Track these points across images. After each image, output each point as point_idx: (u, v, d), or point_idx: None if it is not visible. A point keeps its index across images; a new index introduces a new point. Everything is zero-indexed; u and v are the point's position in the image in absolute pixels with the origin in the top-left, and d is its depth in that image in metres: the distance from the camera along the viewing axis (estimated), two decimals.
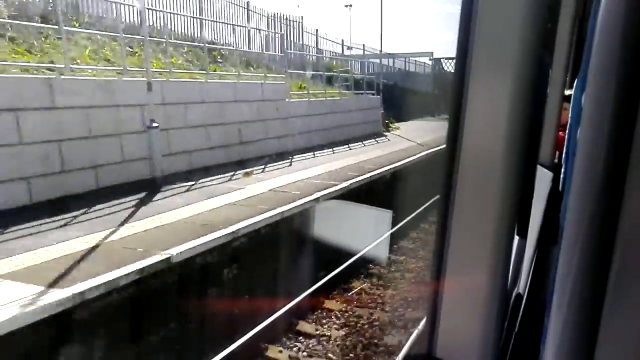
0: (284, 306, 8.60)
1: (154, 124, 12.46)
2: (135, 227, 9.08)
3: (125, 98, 12.77)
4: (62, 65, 11.91)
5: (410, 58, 51.95)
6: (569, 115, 2.35)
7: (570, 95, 2.84)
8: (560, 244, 0.83)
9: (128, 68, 13.60)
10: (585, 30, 1.40)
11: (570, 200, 0.79)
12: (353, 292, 11.47)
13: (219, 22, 26.06)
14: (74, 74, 12.11)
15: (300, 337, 9.59)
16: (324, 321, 10.20)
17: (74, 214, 9.89)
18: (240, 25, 27.29)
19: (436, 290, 1.17)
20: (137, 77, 13.44)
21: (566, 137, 2.37)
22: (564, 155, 2.50)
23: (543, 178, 2.72)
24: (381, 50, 42.22)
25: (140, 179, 12.63)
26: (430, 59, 52.46)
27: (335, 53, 40.28)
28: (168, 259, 7.51)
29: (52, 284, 6.47)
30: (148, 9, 19.25)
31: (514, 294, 1.74)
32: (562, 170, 2.42)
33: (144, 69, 13.24)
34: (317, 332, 9.68)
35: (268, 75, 21.11)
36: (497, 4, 1.00)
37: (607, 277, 0.73)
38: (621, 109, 0.70)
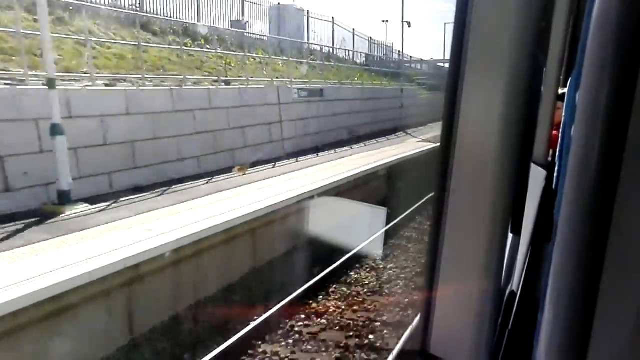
0: None
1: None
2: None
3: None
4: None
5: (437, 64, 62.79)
6: (563, 114, 2.36)
7: (564, 94, 2.85)
8: (553, 241, 0.84)
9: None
10: (580, 28, 1.41)
11: (564, 198, 0.79)
12: None
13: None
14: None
15: None
16: None
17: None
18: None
19: (431, 288, 1.18)
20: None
21: (560, 135, 2.38)
22: (557, 153, 2.51)
23: (537, 176, 2.74)
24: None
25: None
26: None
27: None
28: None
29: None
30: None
31: (507, 291, 1.75)
32: (556, 168, 2.42)
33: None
34: None
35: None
36: (492, 2, 1.00)
37: (600, 274, 0.74)
38: (615, 108, 0.70)
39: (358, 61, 40.05)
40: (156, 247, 8.94)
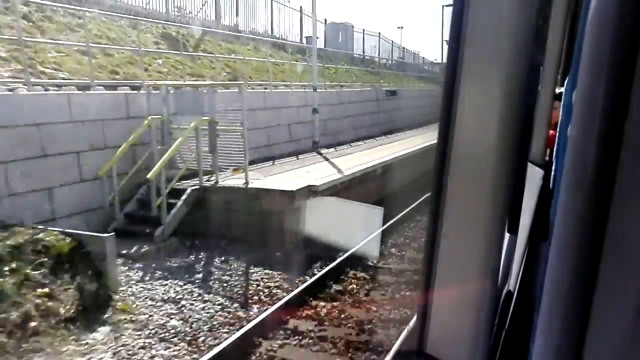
0: None
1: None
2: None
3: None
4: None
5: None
6: (560, 113, 2.34)
7: (561, 94, 2.82)
8: (550, 240, 0.83)
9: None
10: (577, 27, 1.40)
11: (561, 197, 0.78)
12: None
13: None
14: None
15: None
16: None
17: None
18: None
19: (427, 287, 1.16)
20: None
21: (557, 134, 2.37)
22: (554, 153, 2.49)
23: (534, 175, 2.73)
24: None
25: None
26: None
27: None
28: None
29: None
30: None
31: (504, 290, 1.73)
32: (553, 167, 2.41)
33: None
34: None
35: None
36: (489, 1, 1.00)
37: (596, 273, 0.74)
38: (611, 107, 0.70)
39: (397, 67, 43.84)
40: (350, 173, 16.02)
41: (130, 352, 7.68)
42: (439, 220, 1.10)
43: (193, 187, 12.83)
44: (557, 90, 3.34)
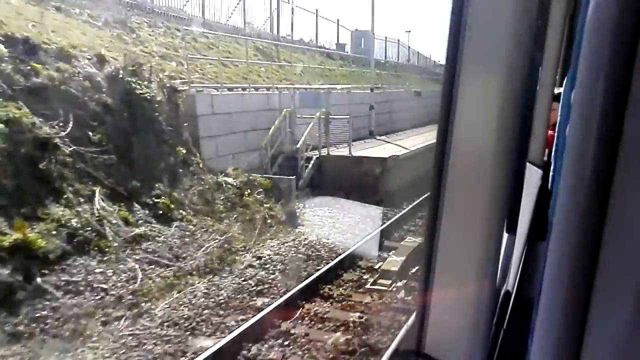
0: None
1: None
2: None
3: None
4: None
5: None
6: (559, 113, 1.83)
7: (560, 94, 2.17)
8: (548, 240, 0.62)
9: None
10: (576, 28, 0.95)
11: (559, 197, 0.59)
12: None
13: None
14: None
15: None
16: None
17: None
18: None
19: (426, 287, 0.84)
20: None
21: (555, 134, 1.82)
22: (553, 153, 1.95)
23: (532, 175, 2.15)
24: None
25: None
26: None
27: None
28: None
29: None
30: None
31: (502, 290, 1.31)
32: (552, 167, 1.88)
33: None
34: None
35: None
36: (488, 1, 0.73)
37: (594, 272, 0.55)
38: (610, 107, 0.51)
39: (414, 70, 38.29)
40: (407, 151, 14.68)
41: (309, 239, 9.36)
42: (438, 219, 0.81)
43: (316, 156, 13.02)
44: (556, 91, 2.65)
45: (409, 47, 35.52)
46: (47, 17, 9.23)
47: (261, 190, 10.34)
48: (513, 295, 1.35)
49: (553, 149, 1.91)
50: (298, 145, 12.45)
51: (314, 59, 21.48)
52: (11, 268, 5.14)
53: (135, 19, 13.05)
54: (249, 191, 9.99)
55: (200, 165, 9.67)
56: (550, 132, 2.58)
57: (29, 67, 7.07)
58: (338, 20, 27.14)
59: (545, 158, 2.57)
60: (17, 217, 5.63)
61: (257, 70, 15.95)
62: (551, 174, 1.78)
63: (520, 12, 0.72)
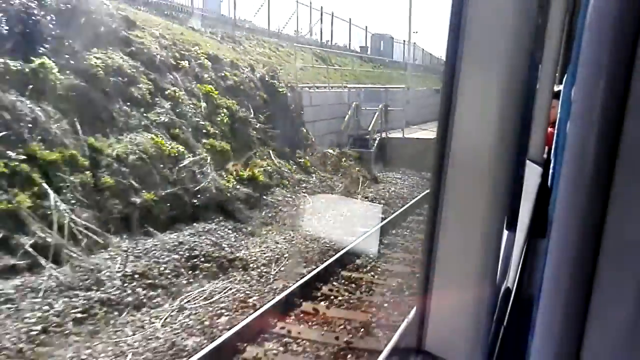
0: None
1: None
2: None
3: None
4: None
5: None
6: (558, 110, 1.36)
7: (560, 91, 1.63)
8: (548, 237, 0.43)
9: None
10: (576, 26, 0.56)
11: (559, 194, 0.41)
12: None
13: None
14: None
15: None
16: None
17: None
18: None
19: (426, 284, 0.60)
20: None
21: (555, 131, 1.34)
22: (553, 151, 1.47)
23: (532, 173, 1.64)
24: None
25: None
26: None
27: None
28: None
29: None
30: None
31: (503, 287, 0.95)
32: (551, 165, 1.41)
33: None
34: None
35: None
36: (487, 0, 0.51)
37: (594, 270, 0.39)
38: (610, 104, 0.36)
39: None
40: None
41: (390, 190, 9.32)
42: (438, 217, 0.57)
43: (379, 137, 12.25)
44: (556, 89, 1.99)
45: (422, 49, 28.68)
46: (201, 37, 9.70)
47: (352, 159, 10.48)
48: (513, 292, 0.99)
49: (553, 147, 1.44)
50: (369, 129, 11.84)
51: (353, 62, 18.05)
52: (251, 189, 6.88)
53: (237, 33, 12.03)
54: (344, 159, 10.22)
55: (312, 140, 10.22)
56: (550, 129, 1.96)
57: (222, 74, 8.19)
58: (366, 27, 22.71)
59: (545, 155, 1.98)
60: (243, 163, 7.38)
61: (322, 72, 14.50)
62: (551, 171, 1.33)
63: (520, 10, 0.51)
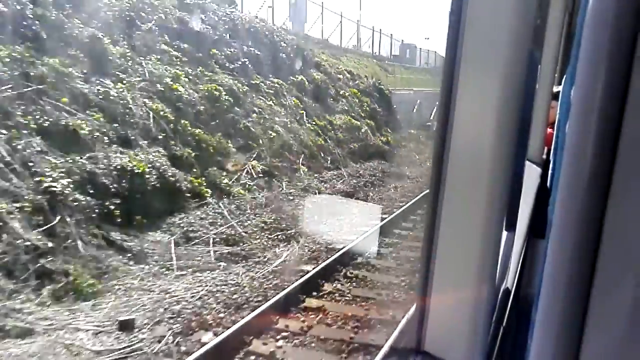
0: None
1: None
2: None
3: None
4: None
5: None
6: (557, 111, 1.35)
7: (559, 92, 1.58)
8: (548, 238, 0.43)
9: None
10: (575, 26, 0.56)
11: (558, 195, 0.41)
12: None
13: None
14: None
15: None
16: None
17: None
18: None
19: (425, 285, 0.59)
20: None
21: (555, 132, 1.33)
22: (552, 151, 1.47)
23: (532, 173, 1.62)
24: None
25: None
26: None
27: None
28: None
29: None
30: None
31: (502, 288, 0.94)
32: (551, 165, 1.40)
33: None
34: None
35: None
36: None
37: (593, 270, 0.39)
38: (609, 105, 0.36)
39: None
40: None
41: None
42: (437, 217, 0.56)
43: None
44: (555, 89, 1.96)
45: (435, 52, 29.29)
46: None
47: (424, 137, 13.84)
48: (512, 292, 0.98)
49: (552, 147, 1.44)
50: (430, 118, 15.06)
51: (401, 70, 20.50)
52: (388, 147, 12.42)
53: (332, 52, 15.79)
54: (423, 140, 13.56)
55: (401, 125, 14.10)
56: (549, 130, 1.95)
57: (356, 82, 13.22)
58: (403, 40, 24.34)
59: (544, 156, 1.96)
60: (381, 134, 12.51)
61: (390, 79, 17.62)
62: (550, 172, 1.33)
63: (520, 10, 0.50)
